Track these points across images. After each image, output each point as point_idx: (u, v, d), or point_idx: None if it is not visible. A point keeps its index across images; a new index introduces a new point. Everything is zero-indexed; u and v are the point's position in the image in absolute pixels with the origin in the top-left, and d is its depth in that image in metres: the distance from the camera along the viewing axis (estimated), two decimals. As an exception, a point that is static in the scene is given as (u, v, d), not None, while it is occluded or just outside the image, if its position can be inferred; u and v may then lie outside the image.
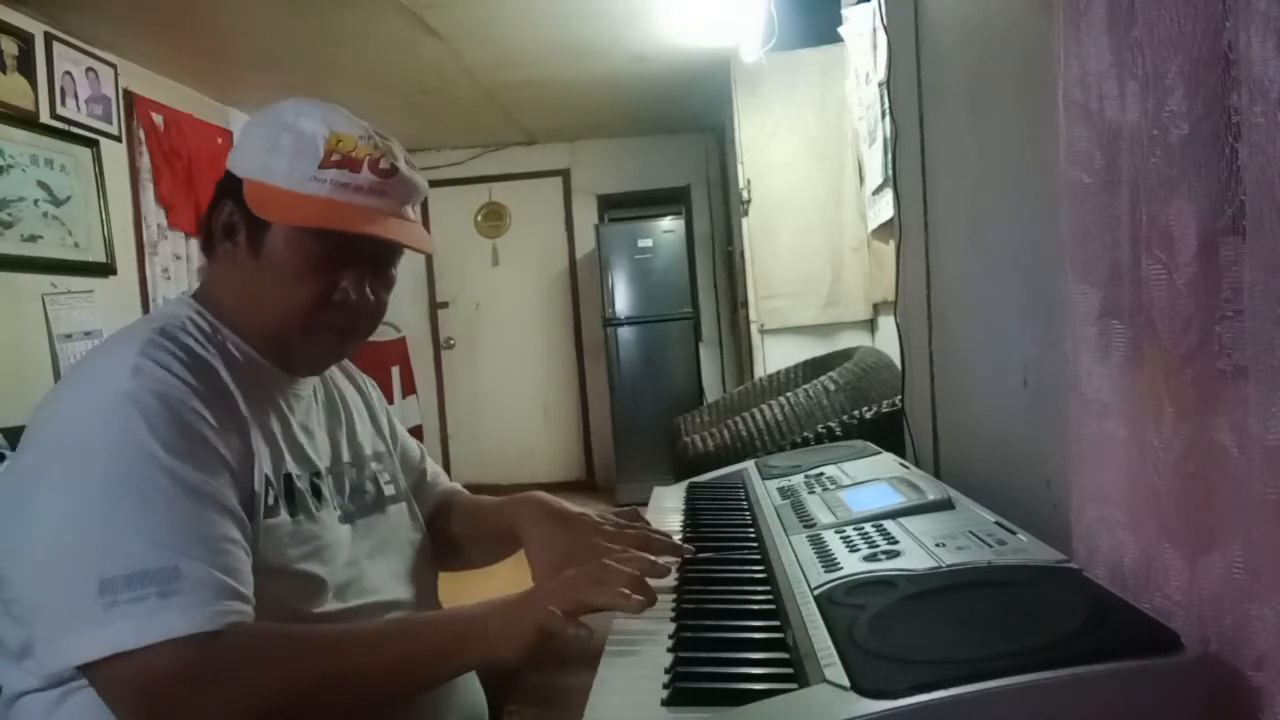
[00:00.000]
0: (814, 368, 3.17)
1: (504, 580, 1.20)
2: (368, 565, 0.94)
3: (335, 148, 0.87)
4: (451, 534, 1.14)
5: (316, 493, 0.92)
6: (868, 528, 0.91)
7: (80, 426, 0.76)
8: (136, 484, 0.73)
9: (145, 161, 3.63)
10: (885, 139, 2.40)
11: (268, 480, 0.85)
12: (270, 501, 0.84)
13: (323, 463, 0.96)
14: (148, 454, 0.74)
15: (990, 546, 0.80)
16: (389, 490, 1.04)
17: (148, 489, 0.73)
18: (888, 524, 0.91)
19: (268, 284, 0.89)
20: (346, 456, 1.01)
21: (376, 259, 0.93)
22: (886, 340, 3.06)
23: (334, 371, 1.07)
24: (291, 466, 0.90)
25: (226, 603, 0.72)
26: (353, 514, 0.97)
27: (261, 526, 0.82)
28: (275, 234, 0.88)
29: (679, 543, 0.99)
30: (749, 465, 1.43)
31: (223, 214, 0.90)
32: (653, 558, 0.92)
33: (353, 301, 0.90)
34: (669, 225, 5.06)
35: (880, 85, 2.28)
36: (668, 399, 4.89)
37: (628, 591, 0.78)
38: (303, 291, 0.88)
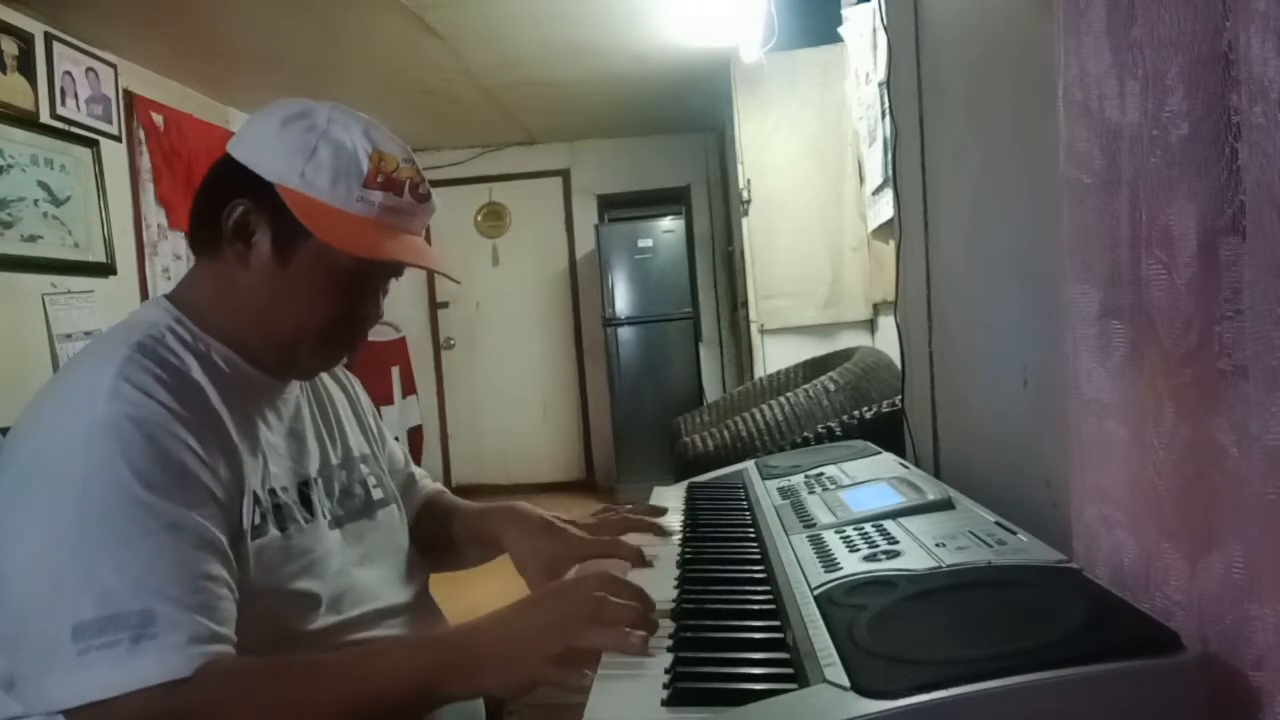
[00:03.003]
0: (814, 368, 3.17)
1: (503, 580, 1.21)
2: (359, 573, 0.93)
3: (379, 168, 0.84)
4: (435, 537, 1.14)
5: (306, 503, 0.90)
6: (868, 528, 0.91)
7: (56, 455, 0.73)
8: (112, 520, 0.70)
9: (145, 161, 3.63)
10: (885, 139, 2.40)
11: (256, 498, 0.83)
12: (258, 521, 0.82)
13: (313, 467, 0.94)
14: (124, 488, 0.71)
15: (990, 546, 0.80)
16: (377, 494, 1.03)
17: (124, 525, 0.70)
18: (888, 524, 0.91)
19: (289, 294, 0.86)
20: (335, 459, 0.99)
21: (391, 276, 0.93)
22: (886, 340, 3.06)
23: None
24: (279, 479, 0.88)
25: (201, 646, 0.70)
26: (342, 518, 0.95)
27: (250, 548, 0.80)
28: (309, 247, 0.84)
29: (653, 506, 1.06)
30: (749, 465, 1.43)
31: (235, 213, 0.84)
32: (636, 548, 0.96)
33: (371, 317, 0.91)
34: (669, 225, 5.06)
35: (880, 85, 2.28)
36: (668, 399, 4.89)
37: (627, 632, 0.74)
38: (329, 307, 0.87)
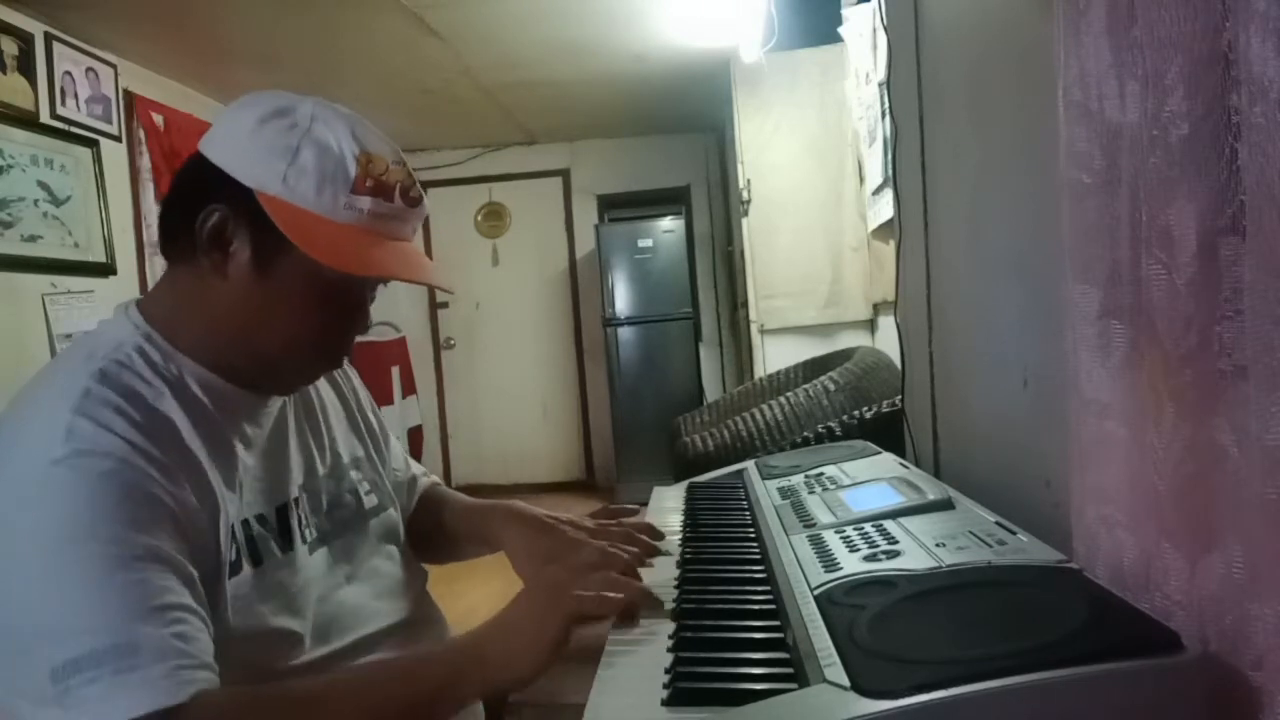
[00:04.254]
0: (814, 368, 3.17)
1: (503, 580, 1.21)
2: (346, 595, 0.90)
3: (368, 171, 0.78)
4: (431, 530, 1.11)
5: (284, 529, 0.85)
6: (868, 528, 0.91)
7: (13, 501, 0.68)
8: (80, 560, 0.66)
9: (145, 161, 3.63)
10: (885, 139, 2.40)
11: (232, 532, 0.78)
12: (233, 558, 0.77)
13: (294, 485, 0.89)
14: (90, 526, 0.67)
15: (990, 546, 0.80)
16: (370, 500, 0.99)
17: (94, 562, 0.66)
18: (888, 524, 0.91)
19: (271, 307, 0.80)
20: (323, 468, 0.94)
21: (380, 283, 0.88)
22: (886, 340, 3.06)
23: None
24: (254, 508, 0.83)
25: (188, 672, 0.66)
26: (329, 534, 0.91)
27: (226, 587, 0.75)
28: (293, 257, 0.78)
29: (652, 526, 1.05)
30: (749, 465, 1.43)
31: (210, 219, 0.77)
32: (639, 550, 0.96)
33: (359, 328, 0.87)
34: (669, 225, 5.06)
35: (880, 85, 2.28)
36: (668, 399, 4.89)
37: (625, 579, 0.80)
38: (315, 320, 0.82)
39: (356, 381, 1.09)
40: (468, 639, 0.79)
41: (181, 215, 0.80)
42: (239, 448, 0.83)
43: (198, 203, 0.78)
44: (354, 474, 0.99)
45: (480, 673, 0.75)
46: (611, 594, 0.78)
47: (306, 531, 0.89)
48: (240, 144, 0.78)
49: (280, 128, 0.78)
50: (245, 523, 0.81)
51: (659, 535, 1.05)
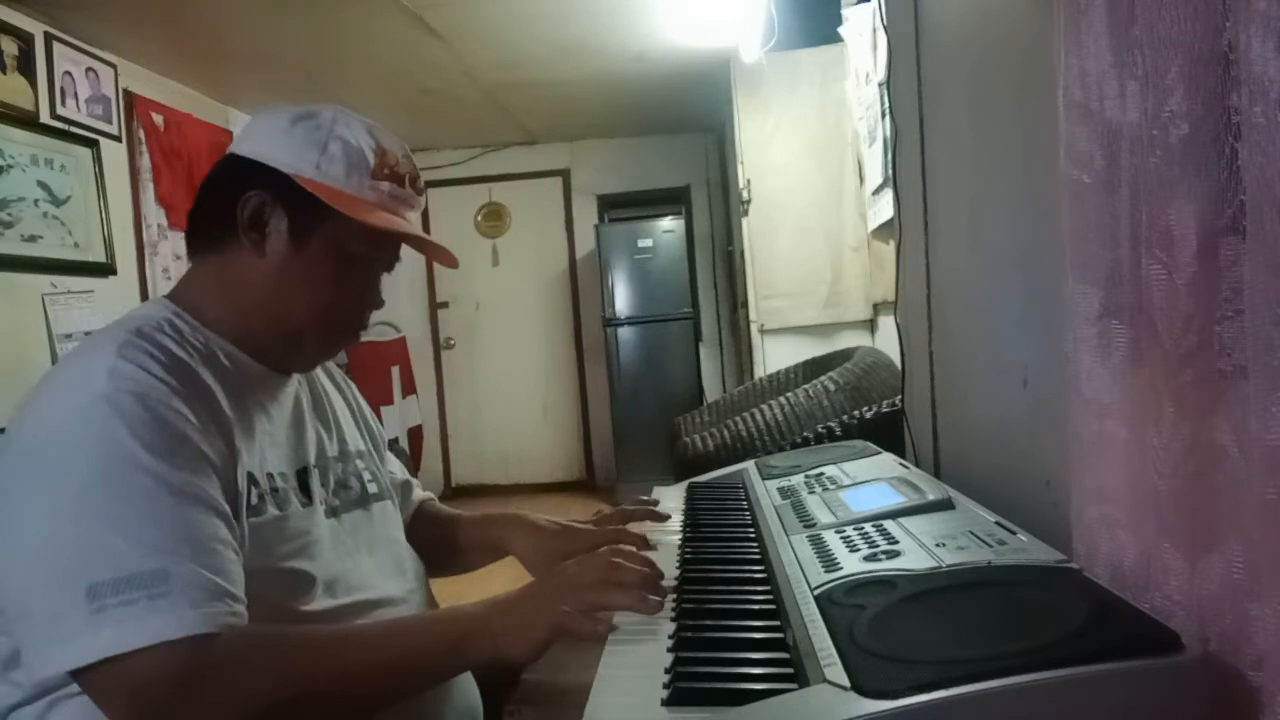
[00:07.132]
0: (814, 368, 3.17)
1: (508, 584, 1.21)
2: (354, 561, 0.94)
3: (384, 162, 0.92)
4: (436, 542, 1.15)
5: (305, 489, 0.91)
6: (868, 528, 0.91)
7: (57, 432, 0.74)
8: (119, 487, 0.71)
9: (145, 161, 3.63)
10: (885, 139, 2.40)
11: (251, 478, 0.84)
12: (254, 500, 0.83)
13: (311, 455, 0.96)
14: (129, 456, 0.72)
15: (990, 546, 0.80)
16: (372, 488, 1.04)
17: (131, 491, 0.71)
18: (888, 524, 0.91)
19: (302, 278, 0.90)
20: (332, 450, 1.01)
21: (391, 263, 0.98)
22: (886, 340, 3.06)
23: (317, 371, 1.07)
24: (276, 464, 0.89)
25: (218, 603, 0.71)
26: (338, 508, 0.96)
27: (247, 526, 0.81)
28: (324, 230, 0.89)
29: (647, 504, 1.15)
30: (749, 465, 1.43)
31: (250, 203, 0.88)
32: (650, 557, 0.96)
33: (374, 303, 0.96)
34: (669, 225, 5.06)
35: (880, 85, 2.28)
36: (668, 399, 4.88)
37: (644, 594, 0.82)
38: (338, 289, 0.92)
39: (358, 392, 1.17)
40: (477, 608, 0.83)
41: (213, 210, 0.91)
42: (259, 416, 0.90)
43: (233, 194, 0.89)
44: (359, 462, 1.05)
45: (488, 641, 0.79)
46: (598, 615, 0.81)
47: (321, 498, 0.94)
48: (276, 140, 0.90)
49: (309, 127, 0.90)
50: (269, 475, 0.87)
51: (655, 504, 1.17)
